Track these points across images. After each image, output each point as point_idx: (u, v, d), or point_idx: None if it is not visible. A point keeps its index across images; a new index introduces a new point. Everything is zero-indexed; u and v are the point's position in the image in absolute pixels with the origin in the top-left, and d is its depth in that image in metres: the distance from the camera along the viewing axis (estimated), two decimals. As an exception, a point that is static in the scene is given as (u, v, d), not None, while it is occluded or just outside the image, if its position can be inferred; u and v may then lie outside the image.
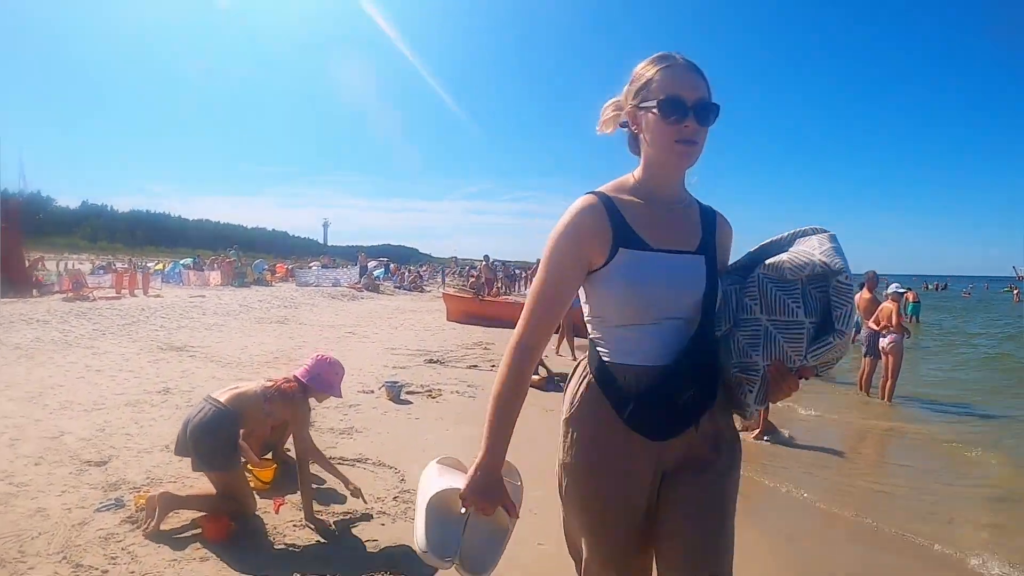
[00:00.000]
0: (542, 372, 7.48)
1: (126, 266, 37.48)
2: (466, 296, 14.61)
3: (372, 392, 6.48)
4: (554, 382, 7.33)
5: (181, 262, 28.34)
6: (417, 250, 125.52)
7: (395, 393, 6.20)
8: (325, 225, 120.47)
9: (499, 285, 32.44)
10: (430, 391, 6.60)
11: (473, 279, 21.27)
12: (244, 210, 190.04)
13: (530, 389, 1.47)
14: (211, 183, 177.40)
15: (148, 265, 35.17)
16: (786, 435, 5.91)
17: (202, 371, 7.60)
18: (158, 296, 18.04)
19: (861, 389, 9.32)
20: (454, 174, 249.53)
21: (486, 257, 22.46)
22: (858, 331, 16.23)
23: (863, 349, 9.50)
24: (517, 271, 29.95)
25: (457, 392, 6.66)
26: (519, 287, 33.94)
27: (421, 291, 26.74)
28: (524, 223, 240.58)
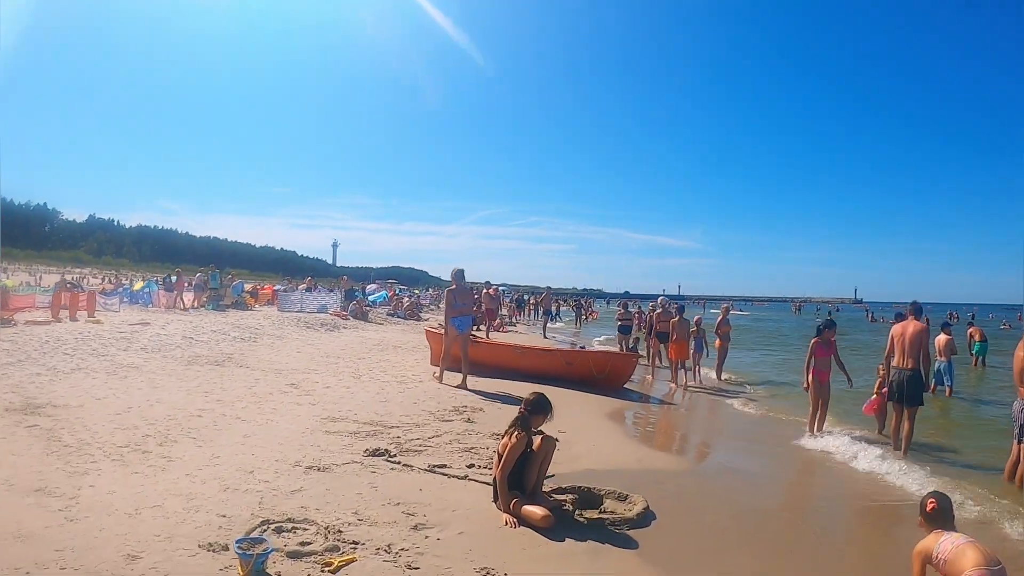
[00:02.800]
0: (541, 503, 4.25)
1: (99, 282, 35.02)
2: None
3: (225, 549, 3.38)
4: (569, 517, 4.14)
5: (154, 281, 25.51)
6: (427, 272, 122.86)
7: (254, 567, 3.09)
8: (334, 245, 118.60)
9: (507, 313, 29.35)
10: (335, 549, 3.46)
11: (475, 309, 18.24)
12: (258, 229, 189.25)
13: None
14: (224, 201, 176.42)
15: (125, 284, 32.65)
16: None
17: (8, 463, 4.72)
18: (97, 322, 15.16)
19: (1009, 480, 6.17)
20: (466, 198, 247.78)
21: (487, 284, 19.40)
22: (942, 382, 13.16)
23: (1015, 430, 6.28)
24: (526, 297, 26.86)
25: (384, 551, 3.49)
26: (526, 315, 30.84)
27: (418, 319, 23.68)
28: (535, 247, 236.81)
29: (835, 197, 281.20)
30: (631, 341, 15.82)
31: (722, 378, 13.28)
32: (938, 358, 12.62)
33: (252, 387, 8.49)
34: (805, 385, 8.01)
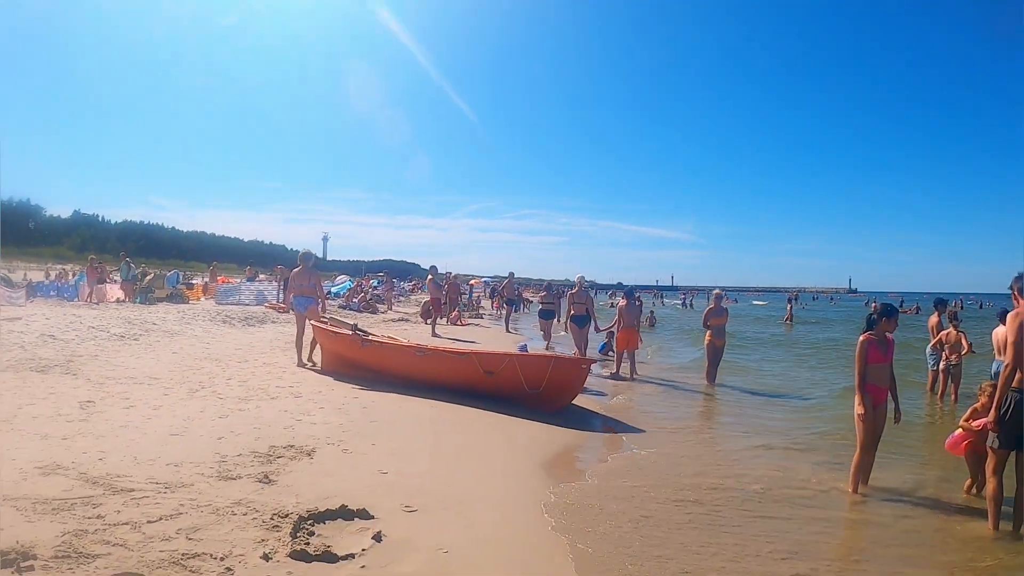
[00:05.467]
0: None
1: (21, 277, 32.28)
2: (344, 333, 8.54)
3: None
4: None
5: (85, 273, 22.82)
6: (419, 265, 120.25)
7: None
8: (324, 239, 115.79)
9: (474, 304, 26.34)
10: None
11: (427, 300, 15.53)
12: (251, 224, 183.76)
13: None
14: (216, 197, 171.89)
15: (72, 277, 30.04)
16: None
17: None
18: (-33, 317, 12.62)
19: None
20: (459, 191, 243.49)
21: (433, 268, 16.62)
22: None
23: None
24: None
25: None
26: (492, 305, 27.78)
27: (374, 312, 21.01)
28: (528, 240, 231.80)
29: (827, 188, 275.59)
30: (607, 338, 12.98)
31: (714, 382, 10.58)
32: (996, 357, 9.84)
33: (24, 406, 5.86)
34: (860, 410, 4.93)
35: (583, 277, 12.13)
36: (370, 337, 8.22)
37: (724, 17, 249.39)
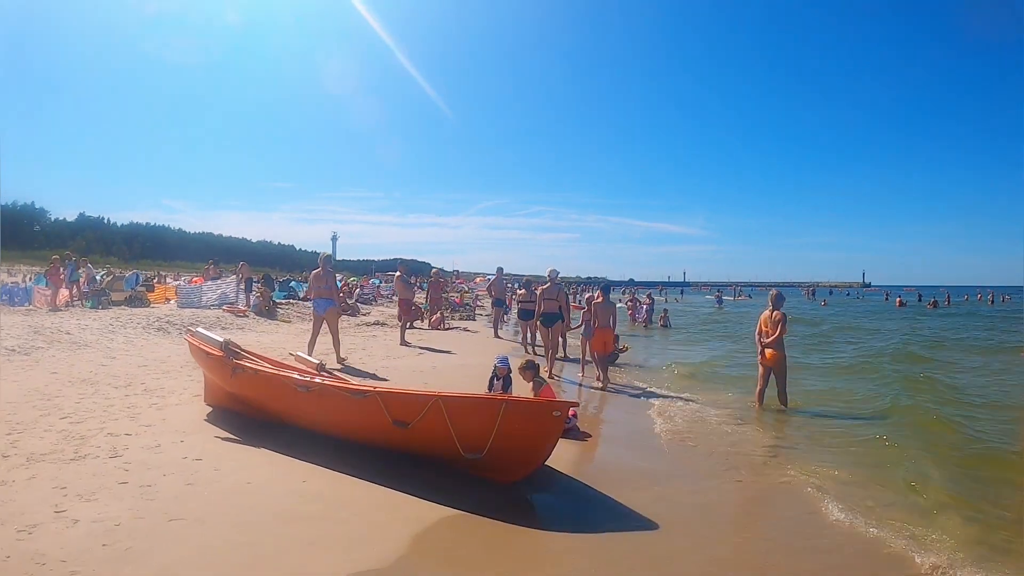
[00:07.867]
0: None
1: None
2: (215, 355, 5.80)
3: None
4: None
5: (43, 275, 20.92)
6: (429, 264, 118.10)
7: None
8: (333, 239, 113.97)
9: (465, 304, 23.35)
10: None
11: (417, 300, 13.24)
12: (261, 225, 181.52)
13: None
14: (227, 199, 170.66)
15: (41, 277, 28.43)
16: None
17: None
18: None
19: None
20: (469, 189, 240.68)
21: (402, 265, 14.12)
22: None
23: None
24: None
25: None
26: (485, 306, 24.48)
27: (353, 315, 18.83)
28: (539, 237, 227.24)
29: (838, 181, 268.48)
30: (617, 345, 10.53)
31: (788, 404, 8.08)
32: None
33: None
34: None
35: (555, 270, 10.58)
36: (243, 362, 5.76)
37: (733, 11, 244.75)
